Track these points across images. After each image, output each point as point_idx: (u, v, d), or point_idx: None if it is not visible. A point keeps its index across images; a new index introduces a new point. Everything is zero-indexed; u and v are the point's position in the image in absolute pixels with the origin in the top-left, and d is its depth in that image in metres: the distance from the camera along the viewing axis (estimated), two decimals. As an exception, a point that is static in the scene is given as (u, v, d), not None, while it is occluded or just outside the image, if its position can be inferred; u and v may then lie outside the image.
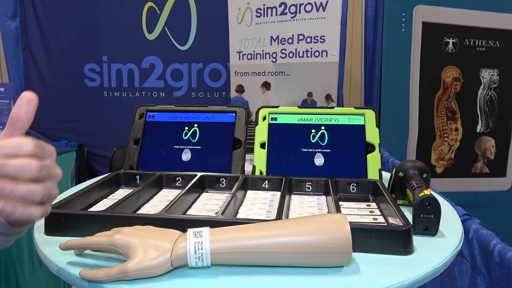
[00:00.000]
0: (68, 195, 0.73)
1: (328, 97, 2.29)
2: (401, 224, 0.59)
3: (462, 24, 2.50)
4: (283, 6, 2.31)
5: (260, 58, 2.44)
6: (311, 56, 2.29)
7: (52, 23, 3.11)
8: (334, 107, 0.94)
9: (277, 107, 0.94)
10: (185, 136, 0.94)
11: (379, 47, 2.73)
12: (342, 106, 2.52)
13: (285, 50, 2.36)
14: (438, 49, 2.52)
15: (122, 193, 0.83)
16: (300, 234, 0.52)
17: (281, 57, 2.38)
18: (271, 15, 2.36)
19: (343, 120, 0.91)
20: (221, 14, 2.62)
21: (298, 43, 2.31)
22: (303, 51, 2.30)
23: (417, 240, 0.62)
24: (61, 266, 0.54)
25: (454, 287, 1.26)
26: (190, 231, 0.52)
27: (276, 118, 0.93)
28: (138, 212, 0.73)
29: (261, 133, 0.91)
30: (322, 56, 2.27)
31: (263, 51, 2.43)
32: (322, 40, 2.25)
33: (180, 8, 3.01)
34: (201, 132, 0.93)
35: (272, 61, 2.41)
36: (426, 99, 2.55)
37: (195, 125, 0.94)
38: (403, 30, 2.51)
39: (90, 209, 0.73)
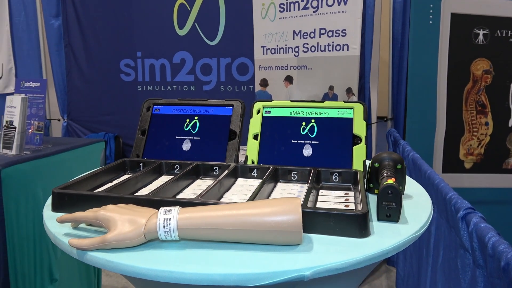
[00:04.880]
0: (76, 178, 0.83)
1: (349, 91, 2.30)
2: (359, 209, 0.63)
3: (493, 14, 2.41)
4: (305, 0, 2.34)
5: (283, 53, 2.49)
6: (332, 50, 2.31)
7: (90, 22, 3.33)
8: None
9: (270, 101, 0.99)
10: (186, 127, 1.02)
11: (407, 40, 2.68)
12: (364, 100, 2.52)
13: (307, 44, 2.39)
14: (467, 41, 2.45)
15: (126, 178, 0.92)
16: (257, 215, 0.58)
17: (303, 51, 2.41)
18: (294, 10, 2.39)
19: (333, 113, 0.95)
20: (248, 9, 2.69)
21: (319, 37, 2.33)
22: (325, 45, 2.33)
23: (379, 226, 0.66)
24: (57, 236, 0.63)
25: (458, 280, 1.27)
26: (162, 209, 0.60)
27: (269, 111, 0.99)
28: (135, 194, 0.81)
29: (255, 125, 0.98)
30: (343, 50, 2.28)
31: (286, 45, 2.47)
32: (343, 34, 2.26)
33: (209, 4, 3.11)
34: (201, 124, 1.01)
35: (294, 55, 2.45)
36: (454, 92, 2.49)
37: (196, 117, 1.02)
38: (430, 22, 2.47)
39: (95, 191, 0.83)
